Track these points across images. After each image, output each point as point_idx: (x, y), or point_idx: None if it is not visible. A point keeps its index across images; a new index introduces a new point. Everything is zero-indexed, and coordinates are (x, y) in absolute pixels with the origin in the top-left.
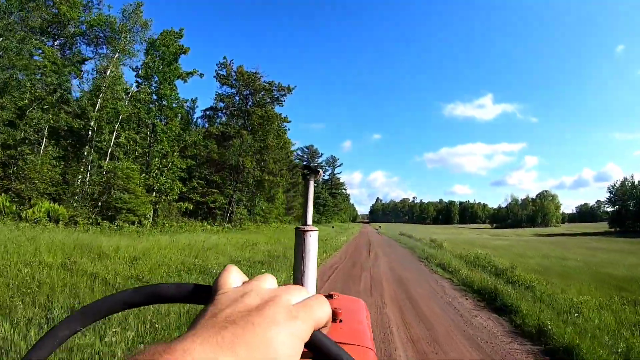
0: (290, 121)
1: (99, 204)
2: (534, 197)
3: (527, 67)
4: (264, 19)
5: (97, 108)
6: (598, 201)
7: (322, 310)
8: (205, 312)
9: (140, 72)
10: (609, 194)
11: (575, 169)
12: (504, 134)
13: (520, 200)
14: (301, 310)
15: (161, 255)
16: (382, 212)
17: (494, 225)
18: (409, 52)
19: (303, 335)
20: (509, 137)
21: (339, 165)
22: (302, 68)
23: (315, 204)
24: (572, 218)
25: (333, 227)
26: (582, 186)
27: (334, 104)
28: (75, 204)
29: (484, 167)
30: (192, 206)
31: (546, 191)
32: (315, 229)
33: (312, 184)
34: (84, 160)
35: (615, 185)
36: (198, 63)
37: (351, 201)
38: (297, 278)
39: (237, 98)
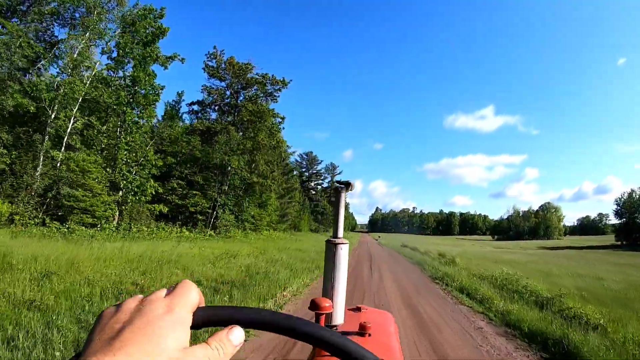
0: (284, 118)
1: (47, 200)
2: (537, 209)
3: (530, 79)
4: (266, 25)
5: (52, 88)
6: (600, 214)
7: (191, 292)
8: (94, 330)
9: (112, 54)
10: (616, 206)
11: (575, 182)
12: (505, 145)
13: (521, 212)
14: (175, 300)
15: (95, 269)
16: (382, 222)
17: (495, 237)
18: (412, 62)
19: (185, 321)
20: (510, 149)
21: (339, 173)
22: (307, 77)
23: (313, 212)
24: (573, 230)
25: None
26: (582, 199)
27: (337, 113)
28: (17, 200)
29: (484, 179)
30: (166, 209)
31: (549, 203)
32: (346, 241)
33: (343, 198)
34: (35, 149)
35: (622, 198)
36: (186, 56)
37: (350, 210)
38: (327, 290)
39: (227, 92)
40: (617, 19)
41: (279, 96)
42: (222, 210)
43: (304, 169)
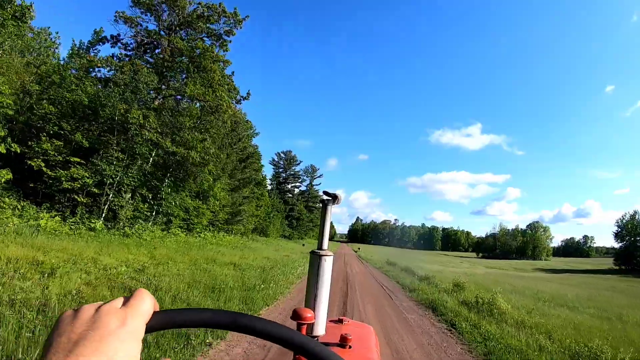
0: (231, 63)
1: None
2: (525, 227)
3: (518, 101)
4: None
5: None
6: (585, 236)
7: (145, 303)
8: (52, 335)
9: None
10: (617, 228)
11: (555, 204)
12: (489, 164)
13: (509, 230)
14: (129, 311)
15: None
16: (362, 233)
17: (480, 254)
18: (402, 76)
19: (137, 334)
20: (494, 168)
21: (319, 177)
22: (290, 82)
23: (288, 216)
24: (556, 252)
25: (304, 244)
26: (561, 221)
27: (322, 122)
28: None
29: (466, 196)
30: (9, 175)
31: (537, 222)
32: (331, 253)
33: (330, 210)
34: None
35: (623, 219)
36: None
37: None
38: (309, 302)
39: (151, 27)
40: (607, 46)
41: (230, 41)
42: (121, 194)
43: (280, 169)
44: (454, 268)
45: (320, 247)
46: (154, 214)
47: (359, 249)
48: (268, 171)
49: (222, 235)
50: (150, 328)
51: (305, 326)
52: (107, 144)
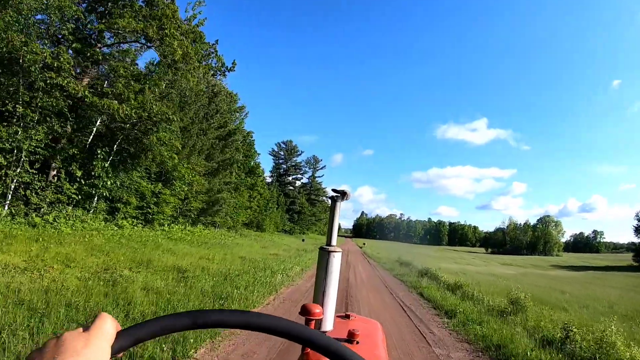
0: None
1: None
2: (535, 222)
3: (524, 96)
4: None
5: None
6: (595, 231)
7: (107, 324)
8: None
9: None
10: (637, 222)
11: (560, 199)
12: (495, 159)
13: (519, 225)
14: (92, 333)
15: None
16: (367, 227)
17: (489, 249)
18: (408, 70)
19: (102, 353)
20: (500, 163)
21: (321, 168)
22: (295, 79)
23: (289, 210)
24: (565, 247)
25: (304, 240)
26: (566, 216)
27: (327, 118)
28: None
29: (471, 191)
30: None
31: (548, 216)
32: (339, 249)
33: (339, 206)
34: None
35: None
36: None
37: None
38: (318, 297)
39: None
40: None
41: None
42: (25, 166)
43: (281, 160)
44: (473, 267)
45: (329, 243)
46: (95, 199)
47: (364, 244)
48: (268, 163)
49: (199, 229)
50: (118, 349)
51: (313, 322)
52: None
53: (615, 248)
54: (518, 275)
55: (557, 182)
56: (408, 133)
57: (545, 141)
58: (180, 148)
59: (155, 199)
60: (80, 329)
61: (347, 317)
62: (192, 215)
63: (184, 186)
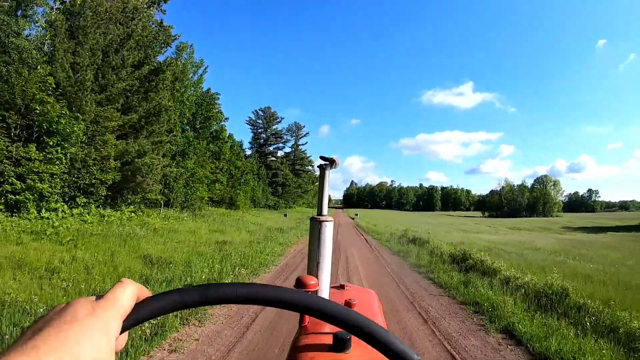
0: None
1: None
2: (533, 182)
3: (509, 58)
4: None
5: None
6: (589, 190)
7: (124, 294)
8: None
9: None
10: None
11: (548, 159)
12: (482, 122)
13: (515, 186)
14: (101, 303)
15: None
16: (357, 197)
17: (486, 213)
18: (389, 37)
19: (108, 329)
20: (487, 127)
21: (305, 135)
22: (278, 52)
23: (272, 183)
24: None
25: (286, 215)
26: (555, 176)
27: (310, 88)
28: None
29: (459, 155)
30: None
31: (546, 176)
32: (331, 219)
33: (328, 175)
34: None
35: None
36: None
37: None
38: (311, 269)
39: None
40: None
41: None
42: None
43: (260, 129)
44: (487, 236)
45: (320, 213)
46: None
47: (357, 214)
48: (246, 134)
49: (111, 213)
50: (133, 322)
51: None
52: None
53: (608, 207)
54: (553, 245)
55: (545, 144)
56: (395, 100)
57: (531, 103)
58: (54, 85)
59: (13, 170)
60: (94, 297)
61: (342, 287)
62: (101, 192)
63: (71, 147)
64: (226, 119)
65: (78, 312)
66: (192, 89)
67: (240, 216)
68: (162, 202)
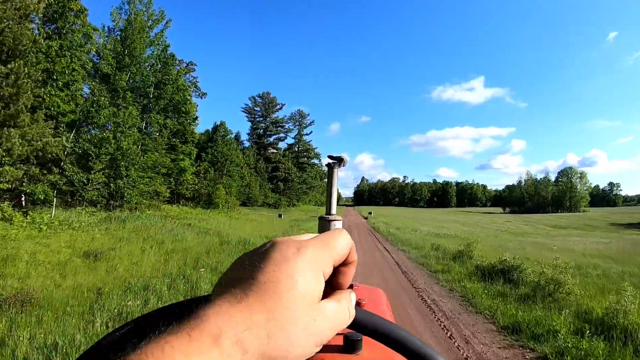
0: None
1: None
2: (557, 175)
3: (520, 53)
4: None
5: None
6: (610, 183)
7: (339, 240)
8: (226, 272)
9: None
10: None
11: (560, 154)
12: (493, 117)
13: (537, 180)
14: (310, 242)
15: None
16: (369, 194)
17: (507, 209)
18: (399, 34)
19: (317, 267)
20: (498, 122)
21: (309, 124)
22: (287, 49)
23: (272, 178)
24: None
25: (281, 215)
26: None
27: (320, 87)
28: None
29: (470, 151)
30: None
31: (571, 168)
32: (340, 218)
33: (336, 173)
34: None
35: None
36: None
37: None
38: None
39: None
40: None
41: None
42: None
43: (258, 118)
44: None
45: (328, 212)
46: None
47: (370, 213)
48: (244, 126)
49: None
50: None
51: None
52: None
53: (626, 200)
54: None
55: (556, 138)
56: (404, 97)
57: (543, 97)
58: None
59: None
60: (305, 236)
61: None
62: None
63: None
64: (204, 94)
65: (285, 250)
66: (150, 47)
67: (210, 219)
68: (42, 196)
